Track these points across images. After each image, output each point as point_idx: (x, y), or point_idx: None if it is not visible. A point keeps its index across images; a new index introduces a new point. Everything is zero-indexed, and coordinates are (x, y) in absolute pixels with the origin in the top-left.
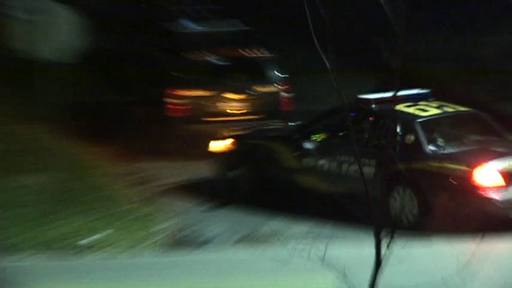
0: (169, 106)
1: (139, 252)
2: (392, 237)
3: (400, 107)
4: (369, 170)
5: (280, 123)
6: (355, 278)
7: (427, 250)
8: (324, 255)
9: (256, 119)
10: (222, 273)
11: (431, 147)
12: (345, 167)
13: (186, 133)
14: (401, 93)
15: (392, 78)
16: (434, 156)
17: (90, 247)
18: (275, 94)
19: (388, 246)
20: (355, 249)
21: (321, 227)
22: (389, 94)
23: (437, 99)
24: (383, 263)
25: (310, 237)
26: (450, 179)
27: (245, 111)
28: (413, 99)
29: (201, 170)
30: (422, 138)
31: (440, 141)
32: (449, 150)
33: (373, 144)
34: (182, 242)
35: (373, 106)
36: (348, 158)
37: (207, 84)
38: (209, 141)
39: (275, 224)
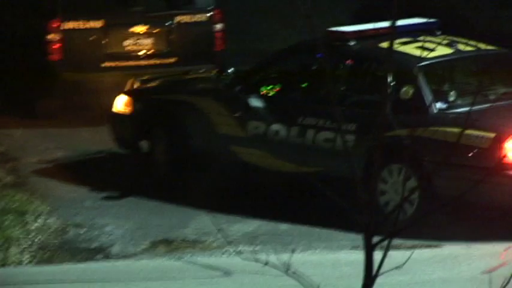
0: (48, 46)
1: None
2: (388, 239)
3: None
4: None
5: (212, 70)
6: None
7: (434, 256)
8: (286, 264)
9: (175, 63)
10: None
11: (439, 105)
12: (310, 134)
13: (69, 85)
14: (392, 23)
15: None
16: (444, 118)
17: None
18: (203, 26)
19: (385, 251)
20: (330, 256)
21: (278, 224)
22: (375, 25)
23: (448, 32)
24: (375, 274)
25: (262, 239)
26: (468, 153)
27: (158, 51)
28: (412, 33)
29: (91, 140)
30: (426, 91)
31: (452, 96)
32: (466, 109)
33: (351, 101)
34: (66, 249)
35: (352, 43)
36: (316, 121)
37: (100, 11)
38: (106, 97)
39: (208, 221)
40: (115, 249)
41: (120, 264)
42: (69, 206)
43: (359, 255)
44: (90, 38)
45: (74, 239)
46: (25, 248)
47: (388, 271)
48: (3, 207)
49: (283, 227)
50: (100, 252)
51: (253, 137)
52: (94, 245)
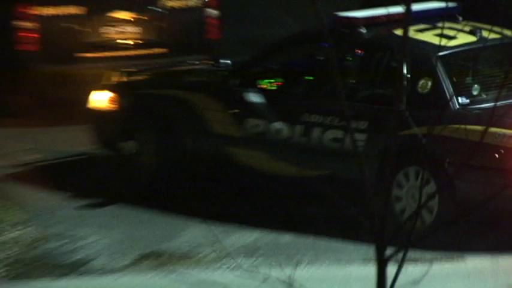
0: (19, 34)
1: None
2: (403, 250)
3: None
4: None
5: (205, 62)
6: None
7: (456, 270)
8: (290, 279)
9: (165, 53)
10: None
11: (461, 100)
12: (316, 133)
13: (45, 78)
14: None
15: None
16: (466, 114)
17: None
18: (196, 12)
19: (399, 265)
20: (338, 270)
21: (280, 235)
22: (388, 10)
23: (471, 18)
24: None
25: (263, 251)
26: (494, 153)
27: (146, 40)
28: (430, 19)
29: (71, 141)
30: (447, 84)
31: (476, 90)
32: (491, 104)
33: (362, 96)
34: (45, 262)
35: (362, 31)
36: (322, 119)
37: None
38: (87, 93)
39: (203, 231)
40: (98, 263)
41: (104, 280)
42: (47, 214)
43: (371, 270)
44: (69, 26)
45: (52, 252)
46: None
47: (403, 287)
48: None
49: (287, 237)
50: (82, 266)
51: (252, 137)
52: (75, 258)
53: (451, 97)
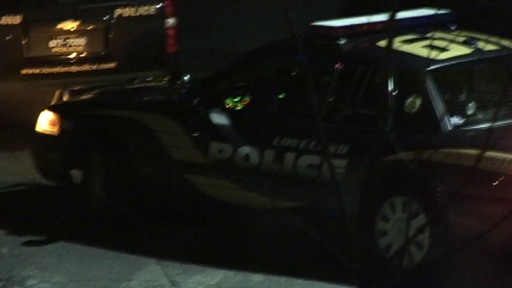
0: None
1: None
2: None
3: (394, 43)
4: (335, 167)
5: (161, 79)
6: None
7: None
8: None
9: (115, 69)
10: None
11: (453, 120)
12: (289, 159)
13: None
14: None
15: None
16: (459, 136)
17: None
18: (151, 21)
19: None
20: None
21: (249, 275)
22: (370, 18)
23: (465, 27)
24: None
25: None
26: (491, 181)
27: (94, 54)
28: (419, 28)
29: (9, 169)
30: (437, 102)
31: (471, 109)
32: (488, 125)
33: (342, 116)
34: None
35: (342, 42)
36: (296, 142)
37: (18, 3)
38: (27, 114)
39: (160, 271)
40: None
41: None
42: None
43: None
44: (6, 38)
45: None
46: None
47: None
48: None
49: (256, 278)
50: None
51: (216, 164)
52: None
53: (443, 117)
